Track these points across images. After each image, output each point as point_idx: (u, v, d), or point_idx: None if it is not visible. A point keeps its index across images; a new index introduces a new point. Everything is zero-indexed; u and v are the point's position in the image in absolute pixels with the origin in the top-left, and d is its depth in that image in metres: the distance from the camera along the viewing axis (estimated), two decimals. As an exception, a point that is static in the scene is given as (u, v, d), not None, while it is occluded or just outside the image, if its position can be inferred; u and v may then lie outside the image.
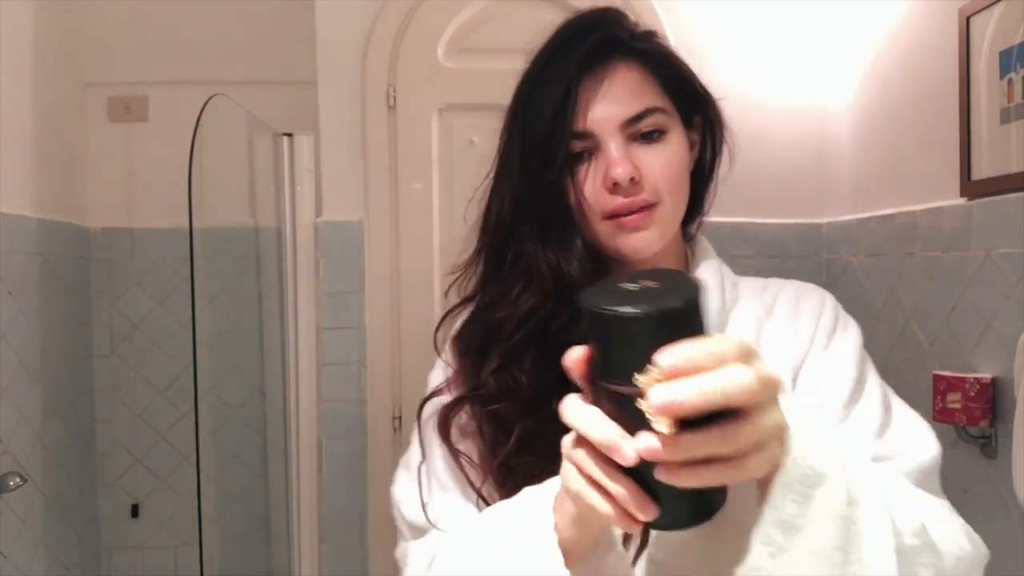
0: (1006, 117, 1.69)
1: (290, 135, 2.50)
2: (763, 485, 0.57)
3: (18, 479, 1.97)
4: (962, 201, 1.83)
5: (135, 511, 2.76)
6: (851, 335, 0.87)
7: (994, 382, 1.70)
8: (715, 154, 0.92)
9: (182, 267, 2.30)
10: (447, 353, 0.91)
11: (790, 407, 0.56)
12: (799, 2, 2.51)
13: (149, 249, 2.74)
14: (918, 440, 0.82)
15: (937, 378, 1.78)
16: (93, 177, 2.74)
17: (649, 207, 0.82)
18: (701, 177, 0.92)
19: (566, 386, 0.83)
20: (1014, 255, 1.64)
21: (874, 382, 0.85)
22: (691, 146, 0.89)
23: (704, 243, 0.95)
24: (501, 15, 2.45)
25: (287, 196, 2.49)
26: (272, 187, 2.52)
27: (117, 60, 2.73)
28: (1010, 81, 1.67)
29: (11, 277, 2.15)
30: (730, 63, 2.35)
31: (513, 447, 0.80)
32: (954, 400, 1.73)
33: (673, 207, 0.85)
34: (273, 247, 2.55)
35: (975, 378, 1.71)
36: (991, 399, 1.69)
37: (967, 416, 1.70)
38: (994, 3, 1.71)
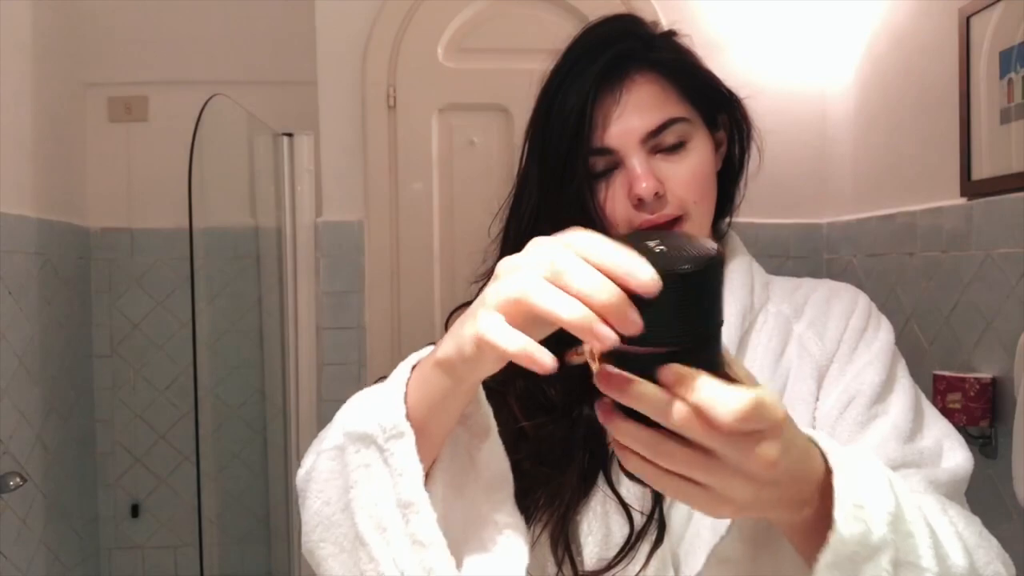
0: (1006, 117, 1.69)
1: (290, 135, 2.50)
2: (807, 548, 0.56)
3: (18, 479, 1.97)
4: (962, 201, 1.83)
5: (135, 511, 2.76)
6: (882, 335, 0.86)
7: (994, 382, 1.70)
8: (743, 151, 0.91)
9: (182, 267, 2.30)
10: None
11: (839, 463, 0.55)
12: (798, 2, 2.51)
13: (149, 249, 2.74)
14: (951, 450, 0.80)
15: (937, 378, 1.78)
16: (93, 177, 2.74)
17: (675, 221, 0.81)
18: (730, 174, 0.91)
19: (595, 395, 0.83)
20: (1014, 255, 1.64)
21: (905, 384, 0.83)
22: (717, 146, 0.88)
23: (735, 240, 0.94)
24: (501, 15, 2.45)
25: (287, 196, 2.49)
26: (272, 187, 2.52)
27: (117, 60, 2.73)
28: (1010, 81, 1.67)
29: (11, 277, 2.15)
30: (728, 63, 2.35)
31: (530, 449, 0.79)
32: (954, 400, 1.73)
33: (700, 216, 0.84)
34: (273, 247, 2.55)
35: (975, 378, 1.71)
36: (991, 399, 1.69)
37: (967, 416, 1.70)
38: (994, 3, 1.71)
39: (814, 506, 0.55)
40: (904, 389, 0.83)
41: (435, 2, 2.44)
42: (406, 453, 0.62)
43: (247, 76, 2.66)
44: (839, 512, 0.54)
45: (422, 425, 0.63)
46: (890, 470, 0.63)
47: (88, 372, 2.70)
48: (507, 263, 0.54)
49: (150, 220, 2.73)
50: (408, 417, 0.63)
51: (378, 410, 0.65)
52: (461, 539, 0.65)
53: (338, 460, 0.68)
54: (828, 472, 0.55)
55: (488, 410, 0.68)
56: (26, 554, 2.18)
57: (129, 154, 2.76)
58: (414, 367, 0.66)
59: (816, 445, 0.56)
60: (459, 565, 0.64)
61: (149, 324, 2.74)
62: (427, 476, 0.65)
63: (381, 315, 2.46)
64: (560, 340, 0.52)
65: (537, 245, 0.53)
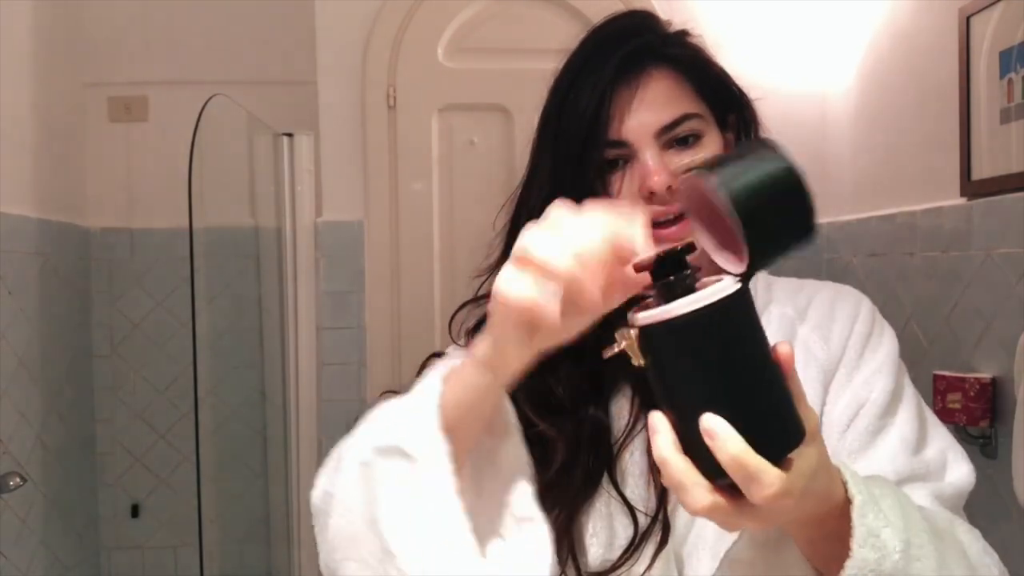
0: (1006, 117, 1.69)
1: (290, 135, 2.50)
2: (816, 558, 0.61)
3: (18, 479, 1.97)
4: (962, 201, 1.83)
5: (135, 511, 2.76)
6: (887, 343, 0.86)
7: (994, 382, 1.70)
8: None
9: (182, 267, 2.29)
10: (462, 341, 0.90)
11: (858, 490, 0.58)
12: (798, 2, 2.51)
13: (149, 249, 2.74)
14: (954, 462, 0.81)
15: (937, 378, 1.78)
16: (93, 177, 2.74)
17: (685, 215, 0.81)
18: None
19: (600, 393, 0.81)
20: (1014, 255, 1.64)
21: (910, 394, 0.84)
22: (726, 146, 0.88)
23: None
24: (501, 15, 2.45)
25: (287, 196, 2.49)
26: (272, 187, 2.52)
27: (117, 60, 2.73)
28: (1010, 81, 1.67)
29: (11, 277, 2.15)
30: (728, 63, 2.35)
31: (537, 451, 0.80)
32: (954, 400, 1.73)
33: None
34: (273, 247, 2.55)
35: (975, 378, 1.71)
36: (991, 399, 1.69)
37: (967, 416, 1.70)
38: (994, 3, 1.71)
39: (832, 525, 0.58)
40: (909, 399, 0.84)
41: (435, 2, 2.44)
42: (439, 463, 0.63)
43: (247, 76, 2.66)
44: (856, 540, 0.57)
45: (455, 428, 0.64)
46: (904, 493, 0.66)
47: (88, 372, 2.70)
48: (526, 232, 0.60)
49: (150, 220, 2.73)
50: (442, 427, 0.64)
51: (411, 421, 0.65)
52: (482, 538, 0.66)
53: (364, 475, 0.67)
54: (848, 498, 0.59)
55: (511, 409, 0.69)
56: (26, 554, 2.18)
57: (129, 154, 2.75)
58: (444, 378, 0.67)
59: (840, 470, 0.60)
60: None
61: (149, 324, 2.74)
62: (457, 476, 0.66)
63: (381, 315, 2.46)
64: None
65: (556, 211, 0.60)
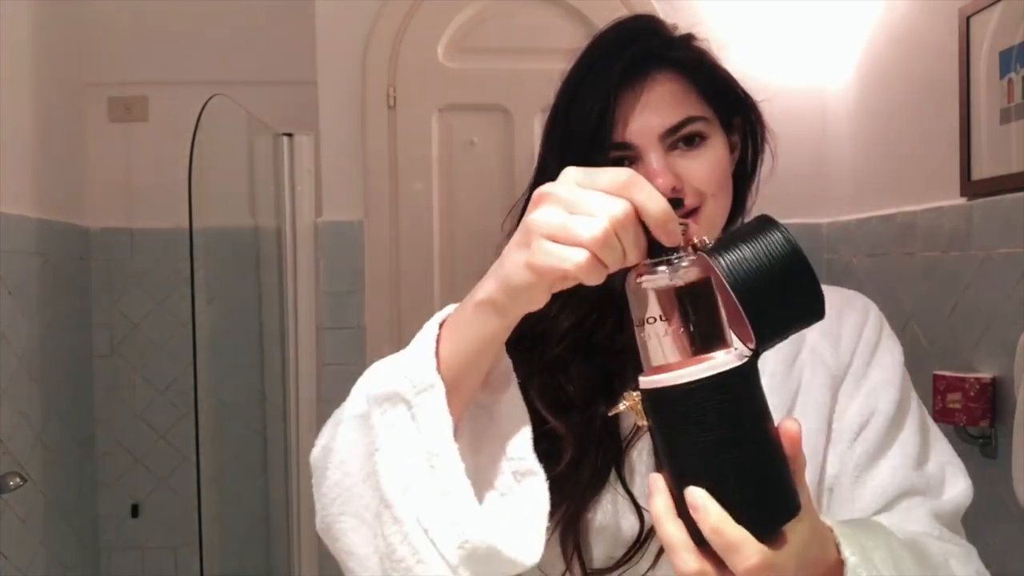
0: (1006, 117, 1.69)
1: (290, 135, 2.50)
2: None
3: (18, 479, 1.96)
4: (962, 201, 1.83)
5: (135, 511, 2.76)
6: (895, 353, 0.87)
7: (994, 382, 1.70)
8: (756, 154, 0.91)
9: (182, 267, 2.29)
10: None
11: (850, 554, 0.60)
12: (798, 2, 2.51)
13: (149, 249, 2.74)
14: (953, 477, 0.83)
15: (937, 378, 1.78)
16: (93, 177, 2.74)
17: (692, 212, 0.82)
18: (743, 178, 0.91)
19: (611, 391, 0.81)
20: (1014, 255, 1.64)
21: (915, 406, 0.85)
22: (732, 148, 0.88)
23: None
24: (501, 15, 2.45)
25: (287, 196, 2.49)
26: (272, 187, 2.52)
27: (117, 60, 2.73)
28: (1010, 81, 1.67)
29: (11, 277, 2.15)
30: (728, 63, 2.34)
31: (546, 448, 0.80)
32: (954, 400, 1.73)
33: (717, 208, 0.84)
34: (273, 247, 2.54)
35: (975, 378, 1.71)
36: (991, 399, 1.69)
37: (967, 416, 1.70)
38: (994, 3, 1.71)
39: None
40: (914, 411, 0.85)
41: (435, 2, 2.44)
42: (436, 405, 0.63)
43: (247, 76, 2.65)
44: None
45: (455, 378, 0.64)
46: (896, 538, 0.67)
47: (88, 372, 2.70)
48: (543, 189, 0.58)
49: (150, 220, 2.73)
50: (439, 370, 0.64)
51: (408, 367, 0.65)
52: (481, 492, 0.65)
53: (362, 427, 0.67)
54: (841, 558, 0.60)
55: (509, 362, 0.69)
56: (26, 554, 2.18)
57: (129, 154, 2.75)
58: (442, 324, 0.67)
59: (831, 530, 0.62)
60: None
61: (149, 324, 2.74)
62: (454, 433, 0.65)
63: (381, 315, 2.46)
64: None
65: (573, 174, 0.58)
